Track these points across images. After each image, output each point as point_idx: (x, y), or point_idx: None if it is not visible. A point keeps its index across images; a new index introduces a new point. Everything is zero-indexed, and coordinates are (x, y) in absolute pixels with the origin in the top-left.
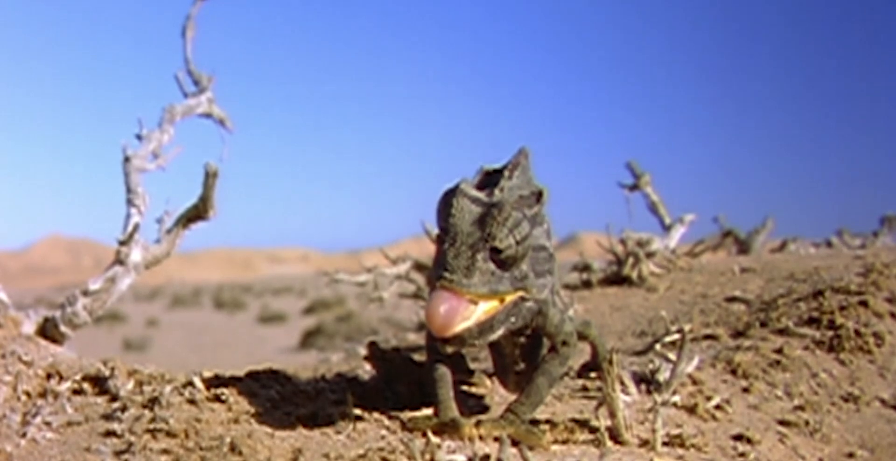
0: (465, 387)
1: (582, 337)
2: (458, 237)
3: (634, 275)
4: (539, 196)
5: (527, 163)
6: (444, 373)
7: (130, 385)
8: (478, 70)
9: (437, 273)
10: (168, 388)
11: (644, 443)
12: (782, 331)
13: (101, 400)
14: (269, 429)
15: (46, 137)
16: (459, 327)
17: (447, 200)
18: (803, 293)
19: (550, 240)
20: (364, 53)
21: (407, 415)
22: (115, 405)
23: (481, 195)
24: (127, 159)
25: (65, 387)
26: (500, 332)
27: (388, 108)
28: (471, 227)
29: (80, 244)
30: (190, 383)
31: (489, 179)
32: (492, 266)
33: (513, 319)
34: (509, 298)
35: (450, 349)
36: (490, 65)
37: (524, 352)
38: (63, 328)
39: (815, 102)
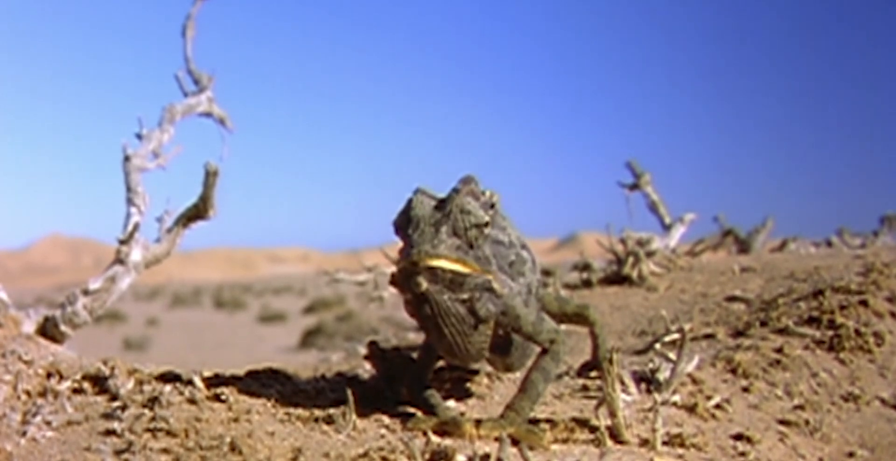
0: (464, 385)
1: (582, 320)
2: (420, 222)
3: (634, 274)
4: (492, 205)
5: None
6: (429, 391)
7: (130, 384)
8: (479, 70)
9: (402, 258)
10: (168, 388)
11: (644, 443)
12: (782, 331)
13: (101, 399)
14: (269, 429)
15: (46, 137)
16: (438, 262)
17: (405, 205)
18: (803, 292)
19: (526, 249)
20: (362, 53)
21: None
22: (115, 404)
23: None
24: (127, 158)
25: (65, 386)
26: (462, 296)
27: (388, 108)
28: (431, 211)
29: (80, 243)
30: (190, 382)
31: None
32: (456, 240)
33: (477, 295)
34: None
35: (423, 284)
36: (491, 65)
37: (496, 346)
38: (63, 327)
39: (816, 102)
